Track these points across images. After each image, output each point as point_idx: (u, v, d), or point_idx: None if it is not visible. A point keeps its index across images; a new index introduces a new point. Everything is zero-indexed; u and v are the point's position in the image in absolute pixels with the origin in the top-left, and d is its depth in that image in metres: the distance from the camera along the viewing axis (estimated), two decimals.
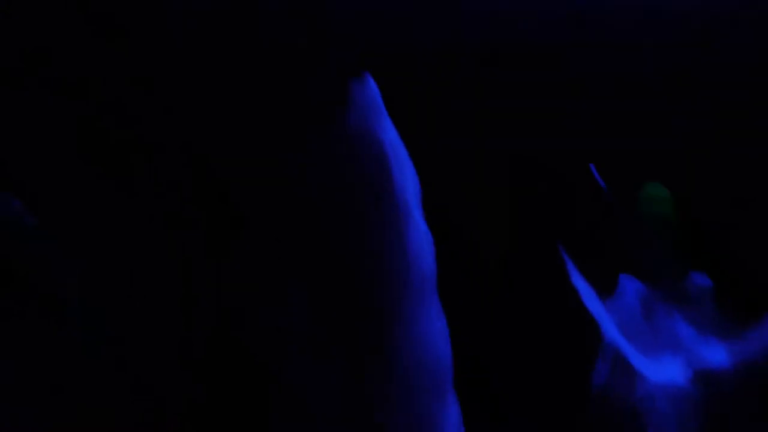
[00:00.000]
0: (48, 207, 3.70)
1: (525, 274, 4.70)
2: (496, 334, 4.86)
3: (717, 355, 4.48)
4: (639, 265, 4.60)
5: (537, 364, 4.50)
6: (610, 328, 4.48)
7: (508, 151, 5.37)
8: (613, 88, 5.58)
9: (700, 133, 5.42)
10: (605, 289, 4.64)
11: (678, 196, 4.76)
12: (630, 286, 4.53)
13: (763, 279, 4.54)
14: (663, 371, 4.47)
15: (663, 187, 4.78)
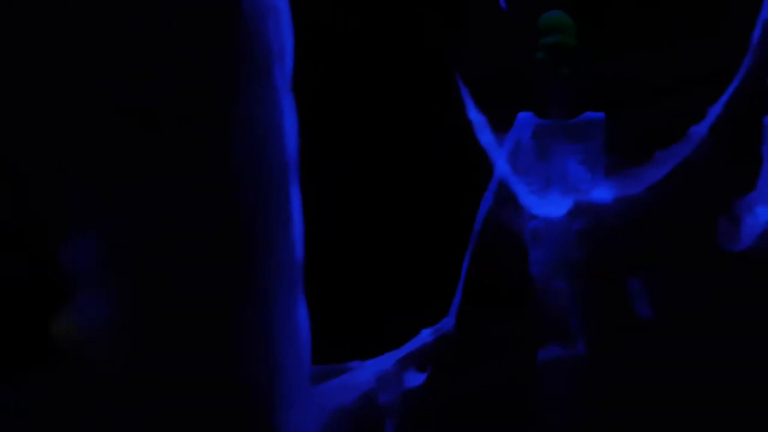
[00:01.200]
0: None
1: (418, 104, 4.38)
2: (382, 158, 4.53)
3: (602, 192, 4.37)
4: (536, 100, 4.36)
5: (424, 190, 4.27)
6: (501, 163, 4.31)
7: None
8: None
9: None
10: (501, 124, 4.40)
11: (582, 25, 4.42)
12: (526, 123, 4.30)
13: (656, 116, 4.35)
14: (549, 208, 4.39)
15: (565, 15, 4.40)
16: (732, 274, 4.39)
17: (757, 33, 4.50)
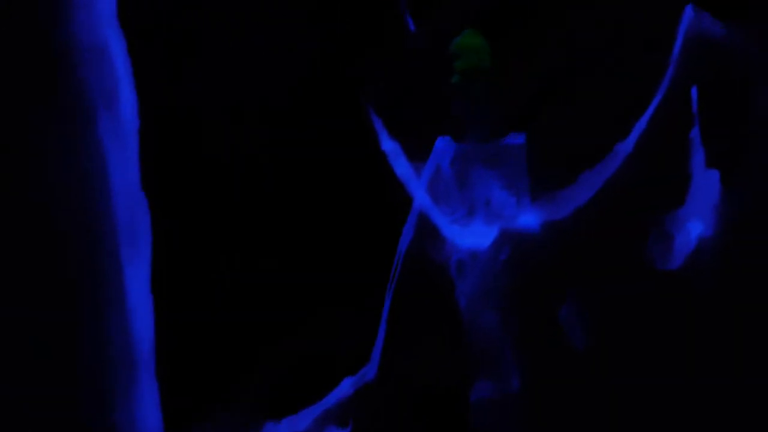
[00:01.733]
0: None
1: (328, 133, 4.18)
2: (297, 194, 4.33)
3: (528, 218, 4.21)
4: (454, 124, 4.17)
5: (337, 228, 4.10)
6: (419, 193, 4.17)
7: None
8: None
9: None
10: (417, 152, 4.22)
11: (497, 45, 4.22)
12: (444, 149, 4.12)
13: (580, 134, 4.20)
14: (474, 238, 4.23)
15: (478, 36, 4.21)
16: (667, 293, 4.24)
17: (678, 45, 4.38)
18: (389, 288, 4.35)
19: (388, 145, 4.52)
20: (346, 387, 4.15)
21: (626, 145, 4.37)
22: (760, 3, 4.45)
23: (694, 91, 4.36)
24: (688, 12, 4.39)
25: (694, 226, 4.35)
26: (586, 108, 4.50)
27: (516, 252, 4.38)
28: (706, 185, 4.37)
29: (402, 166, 4.50)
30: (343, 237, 4.52)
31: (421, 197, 4.44)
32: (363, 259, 4.53)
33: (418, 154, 4.53)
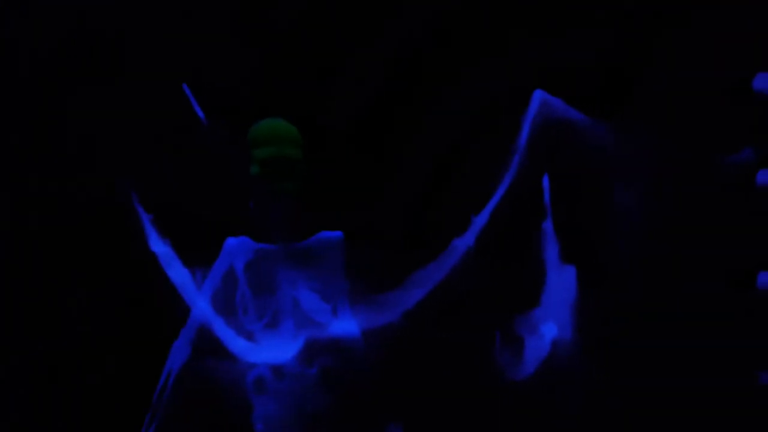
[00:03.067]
0: None
1: (88, 232, 3.68)
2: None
3: (346, 325, 3.67)
4: (252, 222, 3.66)
5: (92, 345, 3.59)
6: (200, 303, 3.60)
7: None
8: None
9: None
10: (199, 254, 3.65)
11: (311, 132, 3.77)
12: (239, 249, 3.56)
13: (409, 229, 3.80)
14: (274, 350, 3.66)
15: (286, 123, 3.72)
16: (515, 407, 3.81)
17: (524, 133, 4.04)
18: (147, 420, 3.69)
19: (159, 246, 3.97)
20: None
21: (465, 239, 3.94)
22: (616, 94, 4.11)
23: (545, 181, 3.99)
24: (537, 97, 4.04)
25: (548, 329, 3.92)
26: (416, 198, 4.11)
27: (330, 365, 3.86)
28: (561, 282, 3.97)
29: (177, 272, 3.94)
30: (94, 357, 3.86)
31: (201, 307, 3.86)
32: (117, 385, 3.82)
33: (200, 256, 3.98)
